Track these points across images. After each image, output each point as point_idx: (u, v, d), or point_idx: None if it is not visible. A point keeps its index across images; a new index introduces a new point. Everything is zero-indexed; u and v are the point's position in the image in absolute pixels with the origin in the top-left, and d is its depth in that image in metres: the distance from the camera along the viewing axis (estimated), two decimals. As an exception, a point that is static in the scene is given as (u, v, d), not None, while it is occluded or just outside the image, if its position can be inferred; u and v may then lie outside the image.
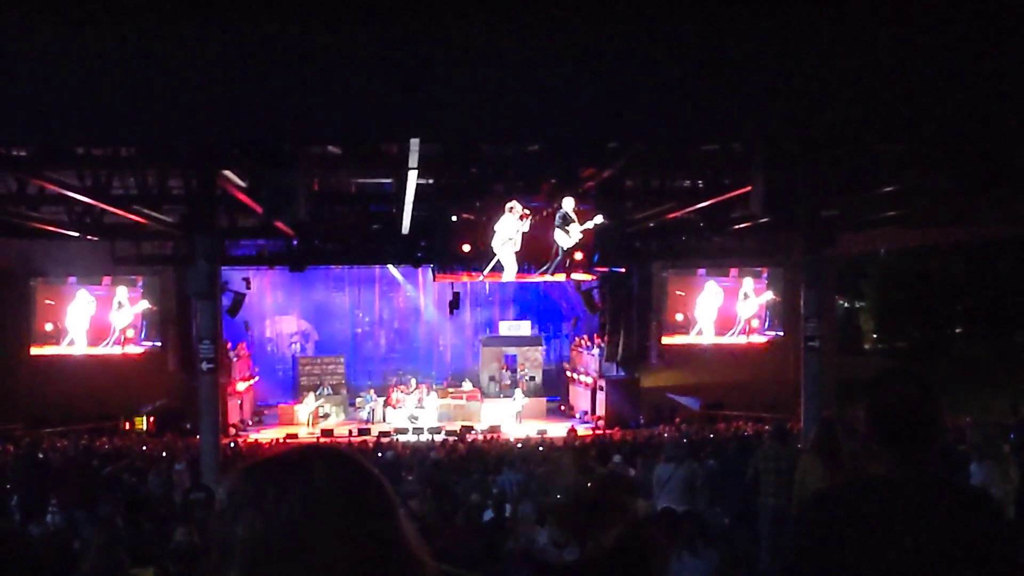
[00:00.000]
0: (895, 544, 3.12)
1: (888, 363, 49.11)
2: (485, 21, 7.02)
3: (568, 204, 25.81)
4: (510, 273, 27.35)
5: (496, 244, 26.31)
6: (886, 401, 3.38)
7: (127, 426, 33.54)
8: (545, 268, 27.25)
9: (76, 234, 27.17)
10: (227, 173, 19.80)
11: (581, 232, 26.07)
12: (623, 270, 32.61)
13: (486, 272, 27.32)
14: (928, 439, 3.33)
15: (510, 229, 26.11)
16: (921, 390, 3.36)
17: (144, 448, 27.14)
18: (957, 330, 56.52)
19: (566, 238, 26.22)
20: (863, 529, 3.17)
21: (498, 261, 26.73)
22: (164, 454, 24.63)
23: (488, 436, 31.22)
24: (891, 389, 3.40)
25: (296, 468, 1.97)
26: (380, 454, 23.59)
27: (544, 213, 26.37)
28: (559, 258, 26.90)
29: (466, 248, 26.55)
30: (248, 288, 31.91)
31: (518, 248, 26.48)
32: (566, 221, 25.91)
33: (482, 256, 26.80)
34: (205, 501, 13.26)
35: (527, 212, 26.02)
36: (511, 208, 25.70)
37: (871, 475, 3.47)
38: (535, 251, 27.12)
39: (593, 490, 4.10)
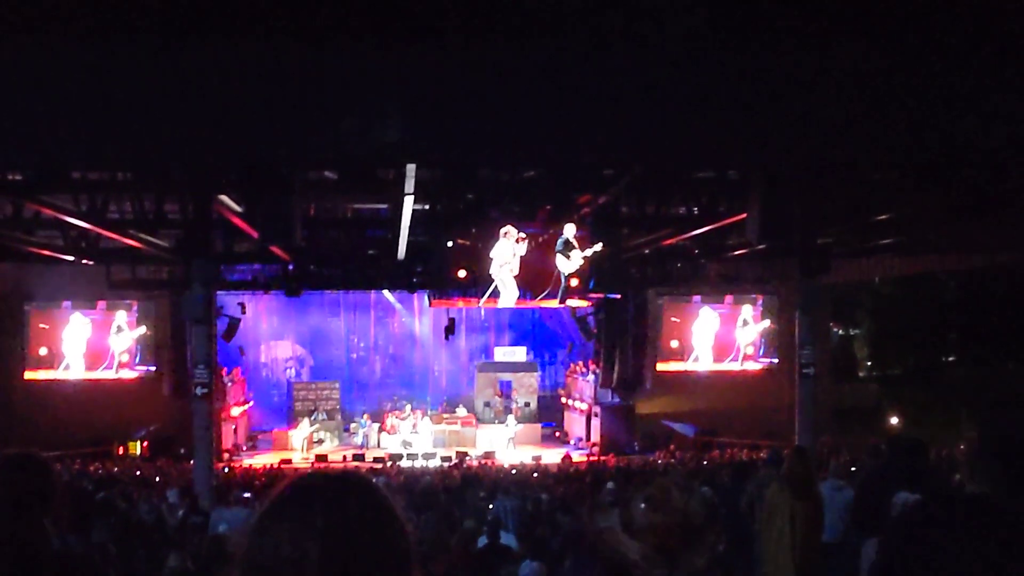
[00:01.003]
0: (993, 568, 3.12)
1: (882, 391, 49.15)
2: (482, 48, 7.04)
3: (569, 230, 25.78)
4: (509, 299, 27.28)
5: (493, 270, 26.27)
6: (1007, 429, 3.40)
7: (121, 451, 33.44)
8: (546, 294, 27.18)
9: (72, 258, 27.15)
10: (223, 198, 19.80)
11: (582, 258, 26.03)
12: (619, 296, 32.63)
13: (484, 298, 27.24)
14: None
15: (506, 254, 26.07)
16: None
17: (138, 473, 27.04)
18: (951, 357, 56.49)
19: (568, 264, 26.18)
20: (962, 547, 3.17)
21: (496, 287, 26.67)
22: (158, 479, 24.55)
23: (483, 462, 31.16)
24: (1012, 417, 3.43)
25: (332, 496, 2.11)
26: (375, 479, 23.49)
27: (541, 239, 26.33)
28: (562, 284, 26.83)
29: (462, 274, 26.49)
30: (243, 313, 31.91)
31: (516, 273, 26.42)
32: (568, 247, 25.87)
33: (478, 282, 26.74)
34: (201, 525, 13.23)
35: (523, 236, 25.97)
36: (506, 233, 25.66)
37: (974, 494, 3.48)
38: (533, 277, 27.04)
39: (698, 515, 4.09)
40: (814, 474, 10.61)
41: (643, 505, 4.11)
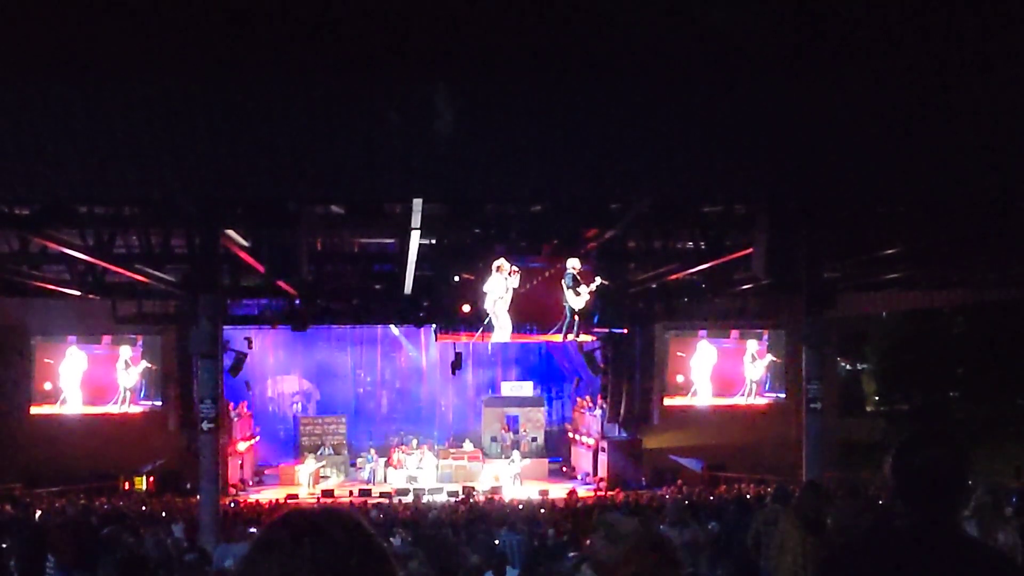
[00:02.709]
0: None
1: (890, 426, 48.97)
2: (488, 82, 7.05)
3: (574, 265, 25.76)
4: (503, 333, 27.24)
5: (488, 304, 26.24)
6: (915, 461, 3.40)
7: (127, 486, 33.34)
8: (556, 329, 27.16)
9: (78, 293, 27.20)
10: (230, 232, 19.84)
11: (589, 293, 26.00)
12: (624, 331, 32.61)
13: (479, 332, 27.22)
14: (955, 500, 3.35)
15: (499, 288, 26.05)
16: (951, 452, 3.39)
17: (144, 508, 26.98)
18: (958, 393, 56.34)
19: (576, 299, 26.16)
20: None
21: (490, 320, 26.63)
22: (163, 514, 24.50)
23: (489, 497, 31.05)
24: (921, 450, 3.43)
25: (320, 529, 2.21)
26: (380, 515, 23.45)
27: (548, 273, 26.33)
28: (567, 319, 26.80)
29: (466, 308, 26.48)
30: (250, 348, 31.87)
31: (508, 307, 26.38)
32: (576, 282, 25.86)
33: (481, 316, 26.73)
34: (199, 562, 13.18)
35: (515, 270, 25.94)
36: (498, 267, 25.64)
37: (897, 528, 3.49)
38: (539, 312, 27.05)
39: (652, 560, 4.15)
40: (823, 508, 10.58)
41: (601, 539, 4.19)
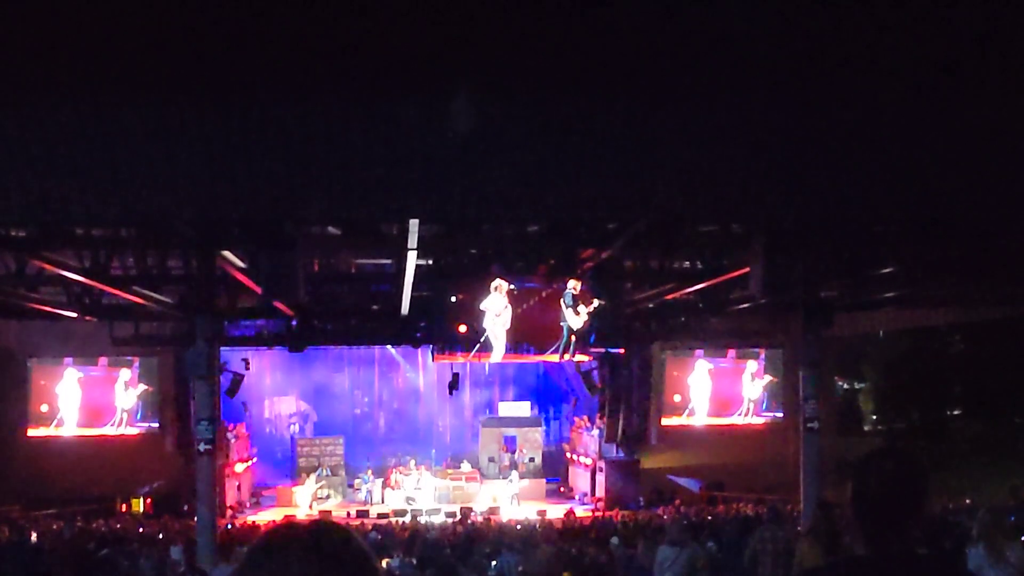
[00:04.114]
0: None
1: (886, 444, 48.88)
2: (483, 103, 7.06)
3: (573, 285, 25.74)
4: (498, 353, 27.21)
5: (486, 322, 26.21)
6: (869, 480, 3.37)
7: (124, 508, 33.28)
8: (554, 349, 27.16)
9: (74, 314, 27.16)
10: (227, 254, 19.82)
11: (588, 314, 25.97)
12: (621, 351, 32.60)
13: (473, 352, 27.19)
14: (908, 519, 3.31)
15: (497, 307, 26.02)
16: (905, 469, 3.35)
17: (141, 530, 26.92)
18: (956, 411, 56.29)
19: (575, 319, 26.13)
20: None
21: (486, 339, 26.60)
22: (161, 536, 24.43)
23: (487, 517, 31.00)
24: (876, 468, 3.40)
25: (308, 543, 2.23)
26: (379, 536, 23.39)
27: (544, 294, 26.31)
28: (564, 339, 26.77)
29: (462, 329, 26.44)
30: (247, 369, 31.82)
31: (508, 327, 26.35)
32: (576, 302, 25.83)
33: (477, 337, 26.70)
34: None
35: (512, 289, 25.93)
36: (497, 287, 25.61)
37: (855, 555, 3.45)
38: (536, 332, 27.05)
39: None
40: (840, 528, 10.59)
41: None
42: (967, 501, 24.57)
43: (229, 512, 32.25)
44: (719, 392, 37.82)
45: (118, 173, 7.93)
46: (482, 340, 26.52)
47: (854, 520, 3.41)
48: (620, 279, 26.62)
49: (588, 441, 37.44)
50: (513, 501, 34.84)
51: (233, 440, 34.57)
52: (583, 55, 6.35)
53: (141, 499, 33.62)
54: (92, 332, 31.31)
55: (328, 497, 35.89)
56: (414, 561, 16.68)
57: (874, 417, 59.30)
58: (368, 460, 38.82)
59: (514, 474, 36.07)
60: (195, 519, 22.70)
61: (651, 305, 28.98)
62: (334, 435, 38.97)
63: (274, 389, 40.24)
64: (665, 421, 37.19)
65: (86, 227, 20.83)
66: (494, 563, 16.69)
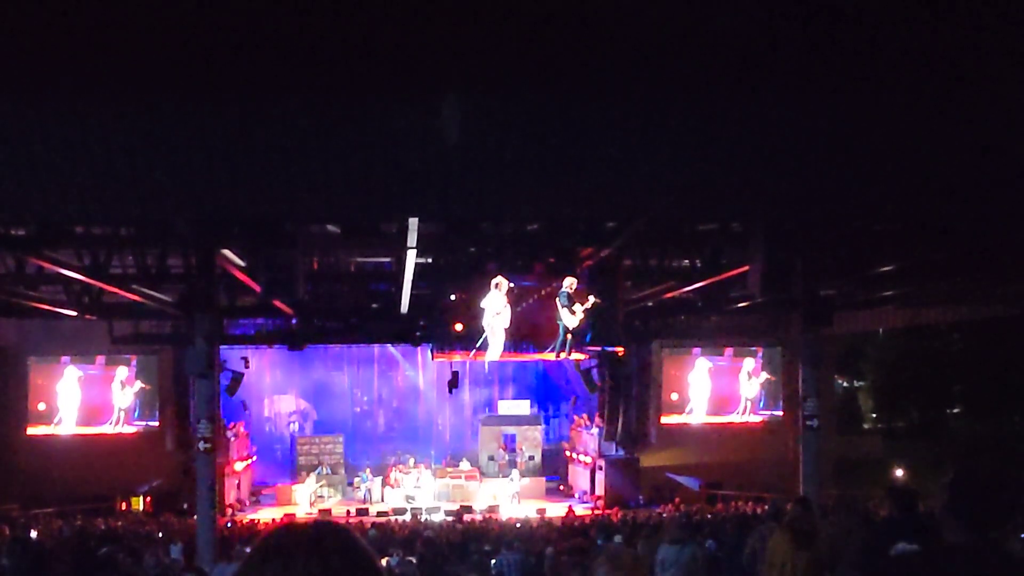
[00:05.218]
0: None
1: (887, 443, 48.94)
2: (483, 102, 7.06)
3: (569, 284, 25.71)
4: (495, 351, 27.17)
5: (486, 320, 26.15)
6: (971, 477, 3.49)
7: (124, 506, 33.29)
8: (551, 348, 27.11)
9: (74, 313, 27.15)
10: (226, 252, 19.83)
11: (584, 312, 25.94)
12: (618, 350, 32.60)
13: (474, 351, 27.15)
14: (1006, 516, 3.43)
15: (497, 305, 25.97)
16: (1008, 473, 3.49)
17: (141, 529, 26.91)
18: (956, 410, 56.33)
19: (571, 318, 26.10)
20: None
21: (485, 339, 26.56)
22: (161, 535, 24.42)
23: (486, 516, 31.00)
24: (976, 466, 3.52)
25: (312, 543, 2.24)
26: (378, 534, 23.39)
27: (543, 292, 26.28)
28: (562, 337, 26.73)
29: (459, 327, 26.40)
30: (247, 367, 31.80)
31: (507, 325, 26.31)
32: (571, 301, 25.80)
33: (475, 335, 26.66)
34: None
35: (512, 287, 25.87)
36: (497, 284, 25.56)
37: (950, 544, 3.55)
38: (533, 331, 27.02)
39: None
40: (817, 524, 10.58)
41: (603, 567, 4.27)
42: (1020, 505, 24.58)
43: (229, 511, 32.22)
44: (718, 390, 37.85)
45: (118, 172, 7.93)
46: (481, 338, 26.49)
47: (951, 513, 3.52)
48: (619, 277, 26.60)
49: (588, 439, 37.43)
50: (513, 499, 34.84)
51: (233, 439, 34.52)
52: (583, 53, 6.34)
53: (141, 498, 33.63)
54: (91, 331, 31.34)
55: (328, 496, 35.85)
56: (414, 559, 16.69)
57: (873, 415, 59.36)
58: (368, 458, 38.78)
59: (514, 472, 36.09)
60: (195, 517, 22.72)
61: (650, 303, 28.97)
62: (334, 433, 38.93)
63: (274, 387, 40.17)
64: (664, 419, 37.20)
65: (86, 226, 20.85)
66: (494, 561, 16.70)
